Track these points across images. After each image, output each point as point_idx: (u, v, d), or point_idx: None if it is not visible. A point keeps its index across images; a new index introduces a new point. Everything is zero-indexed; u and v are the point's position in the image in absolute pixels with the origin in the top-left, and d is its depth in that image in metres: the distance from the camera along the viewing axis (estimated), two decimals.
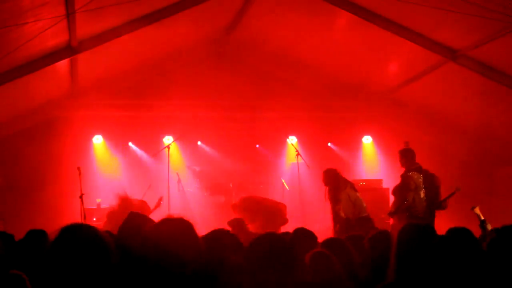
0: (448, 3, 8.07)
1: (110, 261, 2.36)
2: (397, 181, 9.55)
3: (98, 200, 11.12)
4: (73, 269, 2.28)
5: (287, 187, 12.32)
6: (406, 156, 9.03)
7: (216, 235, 3.49)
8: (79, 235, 2.43)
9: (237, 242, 3.79)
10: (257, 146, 13.23)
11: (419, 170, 8.89)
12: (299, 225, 5.85)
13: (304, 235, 5.09)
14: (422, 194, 8.86)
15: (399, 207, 8.87)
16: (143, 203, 9.99)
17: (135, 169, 12.50)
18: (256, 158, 13.13)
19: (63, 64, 9.80)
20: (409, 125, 13.12)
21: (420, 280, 2.95)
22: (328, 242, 4.57)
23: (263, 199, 11.07)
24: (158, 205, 10.12)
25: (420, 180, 8.82)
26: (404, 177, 8.92)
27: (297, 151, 11.98)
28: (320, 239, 4.93)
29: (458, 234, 4.44)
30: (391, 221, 9.79)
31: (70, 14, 7.61)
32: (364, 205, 9.43)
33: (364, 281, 4.06)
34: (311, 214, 11.71)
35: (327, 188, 9.50)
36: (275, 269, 2.96)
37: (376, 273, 4.02)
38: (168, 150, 11.76)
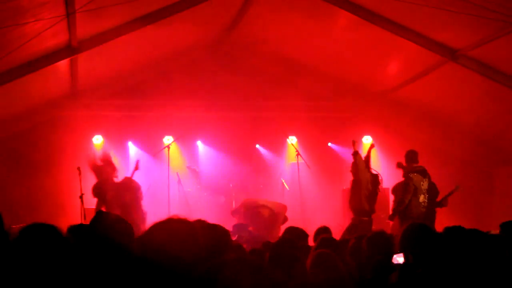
0: (448, 3, 8.07)
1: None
2: (397, 180, 9.57)
3: None
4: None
5: (287, 187, 12.33)
6: (406, 157, 9.02)
7: (217, 234, 3.48)
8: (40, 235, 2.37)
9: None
10: (257, 146, 13.23)
11: (423, 173, 8.82)
12: (299, 225, 5.86)
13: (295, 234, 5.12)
14: (421, 198, 8.72)
15: (396, 210, 8.85)
16: (127, 179, 9.90)
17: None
18: (256, 158, 13.13)
19: (63, 64, 9.80)
20: (409, 125, 13.12)
21: (423, 279, 2.94)
22: (324, 242, 4.57)
23: (262, 201, 11.03)
24: (136, 168, 10.03)
25: (422, 183, 8.72)
26: (405, 177, 8.90)
27: (297, 151, 11.98)
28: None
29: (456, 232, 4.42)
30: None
31: (70, 14, 7.61)
32: None
33: (364, 281, 4.06)
34: (312, 214, 11.71)
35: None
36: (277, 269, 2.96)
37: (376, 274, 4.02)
38: (168, 150, 11.76)
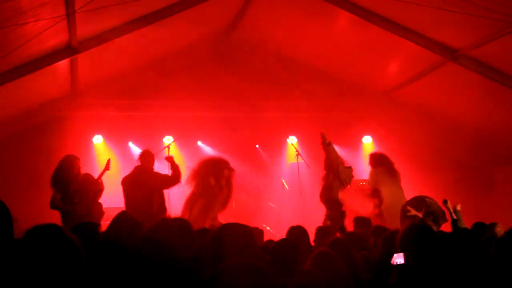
0: (448, 3, 8.08)
1: (81, 261, 2.31)
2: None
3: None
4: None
5: (287, 187, 12.32)
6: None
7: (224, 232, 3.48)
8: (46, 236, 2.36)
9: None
10: (257, 146, 13.23)
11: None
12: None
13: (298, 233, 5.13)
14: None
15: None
16: (91, 176, 9.11)
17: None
18: (256, 158, 13.12)
19: (63, 64, 9.80)
20: (409, 125, 13.12)
21: (422, 279, 2.94)
22: (331, 242, 4.58)
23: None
24: (106, 168, 9.20)
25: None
26: None
27: (297, 151, 11.97)
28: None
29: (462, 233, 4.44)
30: None
31: (70, 14, 7.61)
32: None
33: (365, 281, 4.06)
34: (311, 214, 11.70)
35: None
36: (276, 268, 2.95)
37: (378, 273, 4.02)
38: (168, 150, 11.75)
